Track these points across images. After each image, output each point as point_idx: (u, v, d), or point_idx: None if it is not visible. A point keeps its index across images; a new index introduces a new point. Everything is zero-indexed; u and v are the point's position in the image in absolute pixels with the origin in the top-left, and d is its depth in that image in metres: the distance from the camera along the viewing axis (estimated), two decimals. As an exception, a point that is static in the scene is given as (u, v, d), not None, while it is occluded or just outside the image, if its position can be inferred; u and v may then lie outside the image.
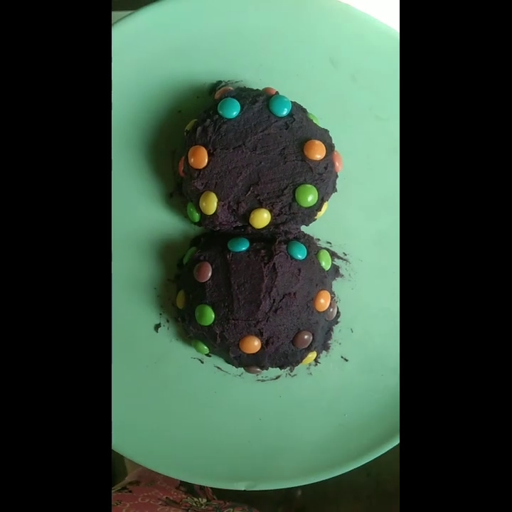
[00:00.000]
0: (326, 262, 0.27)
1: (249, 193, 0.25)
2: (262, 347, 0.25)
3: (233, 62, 0.28)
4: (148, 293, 0.28)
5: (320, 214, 0.26)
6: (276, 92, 0.26)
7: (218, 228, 0.26)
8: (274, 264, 0.25)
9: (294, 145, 0.25)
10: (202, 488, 0.45)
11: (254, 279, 0.25)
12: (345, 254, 0.28)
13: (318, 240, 0.28)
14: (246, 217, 0.25)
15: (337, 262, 0.28)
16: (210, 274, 0.25)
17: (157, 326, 0.28)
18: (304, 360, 0.26)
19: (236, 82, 0.28)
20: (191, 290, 0.26)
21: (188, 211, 0.26)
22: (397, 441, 0.27)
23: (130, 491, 0.39)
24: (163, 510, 0.34)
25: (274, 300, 0.25)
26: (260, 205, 0.25)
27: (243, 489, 0.27)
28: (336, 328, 0.28)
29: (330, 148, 0.25)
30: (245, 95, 0.25)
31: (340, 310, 0.28)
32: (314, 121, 0.26)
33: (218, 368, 0.28)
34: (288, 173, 0.25)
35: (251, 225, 0.25)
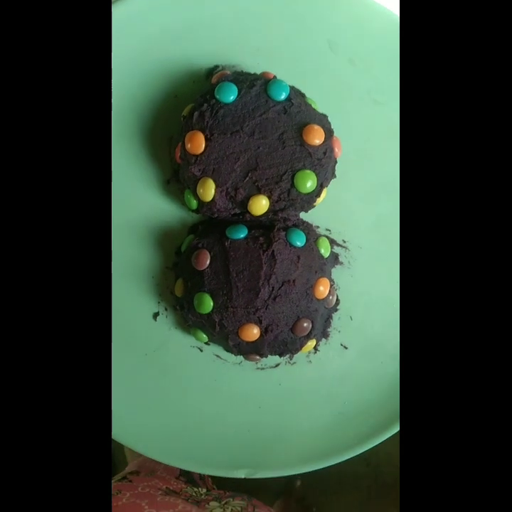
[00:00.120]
0: (325, 250, 0.26)
1: (248, 179, 0.24)
2: (261, 335, 0.25)
3: (230, 46, 0.27)
4: (146, 281, 0.28)
5: (319, 200, 0.25)
6: (274, 76, 0.25)
7: (216, 215, 0.25)
8: (273, 251, 0.24)
9: (292, 130, 0.24)
10: (202, 478, 0.45)
11: (252, 267, 0.24)
12: (345, 242, 0.28)
13: (318, 227, 0.28)
14: (244, 203, 0.25)
15: (336, 249, 0.28)
16: (208, 262, 0.25)
17: (155, 315, 0.28)
18: (303, 348, 0.26)
19: (233, 66, 0.27)
20: (189, 278, 0.25)
21: (185, 198, 0.26)
22: (397, 429, 0.27)
23: (130, 481, 0.39)
24: (163, 500, 0.34)
25: (273, 287, 0.24)
26: (258, 191, 0.24)
27: (243, 477, 0.27)
28: (335, 315, 0.28)
29: (329, 133, 0.25)
30: (243, 79, 0.25)
31: (339, 297, 0.28)
32: (313, 105, 0.25)
33: (217, 356, 0.28)
34: (286, 159, 0.24)
35: (249, 212, 0.25)
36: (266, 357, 0.26)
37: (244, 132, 0.24)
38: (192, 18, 0.26)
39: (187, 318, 0.26)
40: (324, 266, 0.26)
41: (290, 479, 0.68)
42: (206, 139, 0.24)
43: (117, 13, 0.26)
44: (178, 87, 0.27)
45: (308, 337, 0.26)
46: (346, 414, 0.27)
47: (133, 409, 0.27)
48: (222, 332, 0.25)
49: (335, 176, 0.26)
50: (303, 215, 0.27)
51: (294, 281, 0.24)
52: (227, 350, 0.27)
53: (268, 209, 0.25)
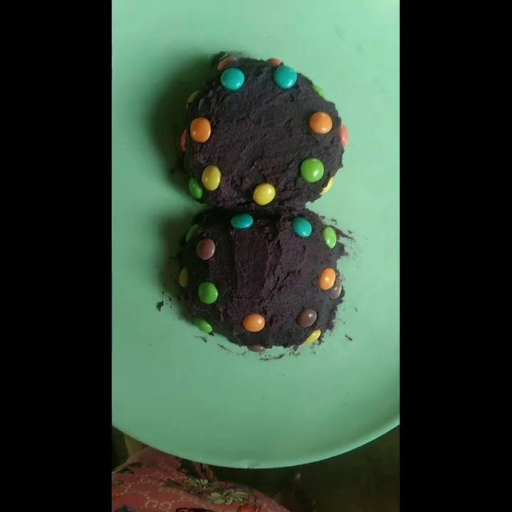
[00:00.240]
0: (331, 240, 0.26)
1: (253, 167, 0.24)
2: (265, 325, 0.24)
3: (237, 32, 0.26)
4: (151, 271, 0.27)
5: (325, 190, 0.25)
6: (281, 63, 0.25)
7: (221, 205, 0.25)
8: (279, 241, 0.24)
9: (299, 117, 0.24)
10: (203, 470, 0.45)
11: (258, 257, 0.24)
12: (351, 232, 0.28)
13: (323, 217, 0.27)
14: (250, 193, 0.24)
15: (342, 240, 0.28)
16: (213, 252, 0.25)
17: (160, 305, 0.28)
18: (307, 339, 0.26)
19: (239, 52, 0.27)
20: (194, 268, 0.25)
21: (190, 187, 0.25)
22: (400, 420, 0.27)
23: (132, 472, 0.39)
24: (164, 491, 0.34)
25: (278, 278, 0.24)
26: (264, 180, 0.24)
27: (246, 467, 0.27)
28: (340, 307, 0.27)
29: (336, 121, 0.24)
30: (249, 66, 0.24)
31: (344, 289, 0.27)
32: (320, 93, 0.25)
33: (221, 346, 0.28)
34: (293, 147, 0.24)
35: (255, 202, 0.24)
36: (270, 347, 0.26)
37: (250, 120, 0.24)
38: (197, 4, 0.26)
39: (191, 308, 0.26)
40: (330, 256, 0.26)
41: (289, 472, 0.68)
42: (212, 127, 0.24)
43: (121, -3, 0.25)
44: (183, 74, 0.27)
45: (312, 328, 0.25)
46: (350, 406, 0.27)
47: (137, 399, 0.27)
48: (226, 322, 0.25)
49: (342, 166, 0.26)
50: (309, 205, 0.26)
51: (299, 271, 0.24)
52: (231, 341, 0.27)
53: (274, 198, 0.24)
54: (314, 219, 0.26)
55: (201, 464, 0.45)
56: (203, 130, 0.24)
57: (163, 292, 0.28)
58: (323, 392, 0.27)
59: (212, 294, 0.24)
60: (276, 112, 0.24)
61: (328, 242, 0.26)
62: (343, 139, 0.25)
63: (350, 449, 0.26)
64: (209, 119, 0.24)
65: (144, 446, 0.49)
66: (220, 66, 0.25)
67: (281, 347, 0.26)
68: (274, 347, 0.26)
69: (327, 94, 0.25)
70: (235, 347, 0.27)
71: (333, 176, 0.25)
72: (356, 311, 0.28)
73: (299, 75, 0.24)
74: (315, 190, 0.25)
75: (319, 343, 0.28)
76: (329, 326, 0.28)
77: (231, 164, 0.24)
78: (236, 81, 0.24)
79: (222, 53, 0.27)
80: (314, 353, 0.28)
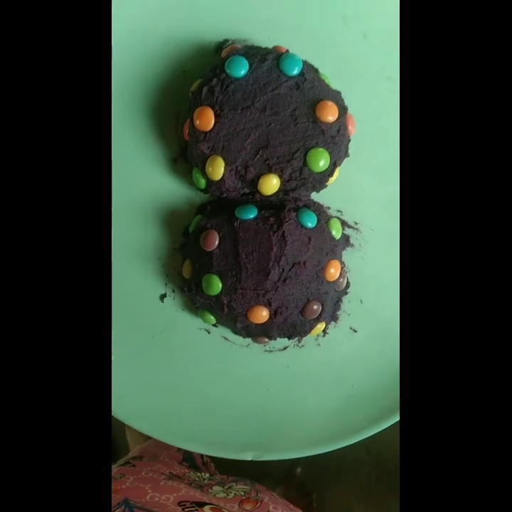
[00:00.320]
0: (336, 231, 0.26)
1: (258, 156, 0.24)
2: (270, 317, 0.24)
3: (241, 19, 0.26)
4: (153, 263, 0.27)
5: (331, 180, 0.25)
6: (287, 50, 0.25)
7: (225, 195, 0.25)
8: (284, 232, 0.24)
9: (305, 106, 0.24)
10: (204, 463, 0.45)
11: (262, 248, 0.24)
12: (356, 223, 0.27)
13: (329, 208, 0.27)
14: (254, 183, 0.24)
15: (348, 231, 0.27)
16: (217, 243, 0.24)
17: (163, 296, 0.28)
18: (312, 331, 0.26)
19: (244, 40, 0.26)
20: (197, 259, 0.25)
21: (193, 177, 0.25)
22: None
23: (133, 466, 0.39)
24: (166, 484, 0.34)
25: (283, 269, 0.24)
26: (269, 169, 0.24)
27: (250, 459, 0.27)
28: (345, 298, 0.27)
29: (343, 110, 0.24)
30: (254, 53, 0.24)
31: (349, 280, 0.27)
32: (326, 81, 0.25)
33: (225, 338, 0.28)
34: (299, 136, 0.24)
35: (259, 192, 0.24)
36: (274, 339, 0.26)
37: (255, 108, 0.23)
38: (199, -11, 0.26)
39: (195, 300, 0.26)
40: (335, 248, 0.26)
41: (291, 466, 0.69)
42: (216, 115, 0.23)
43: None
44: (186, 62, 0.27)
45: (317, 320, 0.25)
46: (355, 398, 0.27)
47: (141, 391, 0.27)
48: (230, 314, 0.25)
49: (348, 155, 0.25)
50: (314, 196, 0.26)
51: (304, 263, 0.24)
52: (235, 333, 0.27)
53: (279, 188, 0.24)
54: (320, 210, 0.26)
55: (203, 458, 0.46)
56: (207, 119, 0.23)
57: (166, 284, 0.28)
58: (328, 384, 0.27)
59: (216, 285, 0.24)
60: (282, 100, 0.24)
61: (333, 233, 0.26)
62: (350, 127, 0.25)
63: (355, 441, 0.26)
64: (213, 108, 0.23)
65: (146, 439, 0.49)
66: (224, 53, 0.25)
67: (286, 339, 0.26)
68: (278, 339, 0.26)
69: (332, 82, 0.25)
70: (238, 339, 0.27)
71: (340, 165, 0.25)
72: (361, 303, 0.28)
73: (305, 63, 0.24)
74: (321, 180, 0.25)
75: (324, 335, 0.28)
76: (334, 317, 0.28)
77: (235, 154, 0.24)
78: (240, 68, 0.23)
79: (226, 41, 0.26)
80: (319, 345, 0.28)
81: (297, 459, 0.27)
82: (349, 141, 0.25)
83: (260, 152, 0.24)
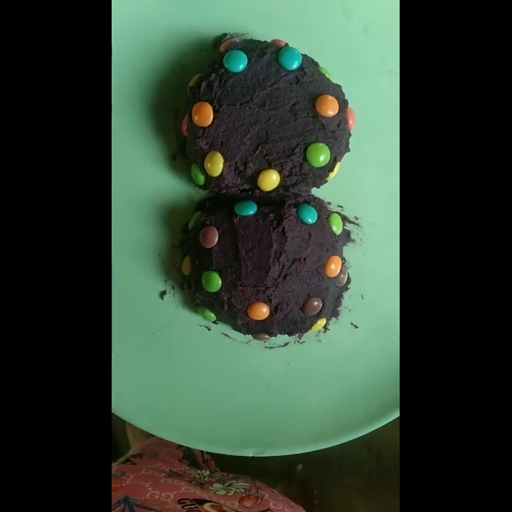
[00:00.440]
0: (337, 227, 0.26)
1: (258, 152, 0.24)
2: (270, 314, 0.25)
3: (239, 13, 0.26)
4: (153, 259, 0.28)
5: (332, 175, 0.25)
6: (286, 44, 0.25)
7: (224, 191, 0.25)
8: (284, 228, 0.24)
9: (305, 101, 0.24)
10: (205, 461, 0.46)
11: (262, 244, 0.24)
12: (357, 219, 0.28)
13: (329, 203, 0.27)
14: (254, 179, 0.24)
15: (348, 226, 0.28)
16: (216, 240, 0.25)
17: (162, 293, 0.28)
18: (313, 327, 0.26)
19: (242, 34, 0.26)
20: (197, 256, 0.25)
21: (192, 173, 0.25)
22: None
23: (134, 463, 0.39)
24: (166, 482, 0.35)
25: (283, 266, 0.24)
26: (269, 165, 0.24)
27: (251, 456, 0.27)
28: (346, 294, 0.28)
29: (343, 104, 0.24)
30: (253, 47, 0.24)
31: (350, 276, 0.27)
32: (326, 75, 0.25)
33: (225, 335, 0.28)
34: (299, 131, 0.24)
35: (259, 188, 0.24)
36: (275, 336, 0.26)
37: (254, 103, 0.23)
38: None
39: (194, 297, 0.26)
40: (336, 243, 0.26)
41: (291, 463, 0.69)
42: (214, 111, 0.23)
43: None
44: (184, 57, 0.27)
45: (318, 316, 0.26)
46: (356, 393, 0.27)
47: (141, 388, 0.27)
48: (230, 311, 0.25)
49: (348, 150, 0.26)
50: (314, 191, 0.26)
51: (304, 259, 0.24)
52: (236, 329, 0.27)
53: (279, 184, 0.24)
54: (320, 205, 0.26)
55: (203, 455, 0.46)
56: (205, 114, 0.23)
57: (166, 281, 0.28)
58: (329, 380, 0.28)
59: (216, 282, 0.24)
60: (281, 94, 0.24)
61: (334, 228, 0.26)
62: (350, 122, 0.25)
63: (356, 437, 0.27)
64: (211, 103, 0.24)
65: (147, 437, 0.50)
66: (222, 48, 0.25)
67: (286, 335, 0.27)
68: (279, 335, 0.26)
69: (333, 76, 0.25)
70: (239, 335, 0.27)
71: (340, 160, 0.25)
72: (362, 298, 0.28)
73: (305, 57, 0.24)
74: (321, 175, 0.25)
75: (325, 331, 0.28)
76: (335, 313, 0.28)
77: (234, 149, 0.24)
78: (239, 63, 0.24)
79: (224, 35, 0.26)
80: (319, 340, 0.28)
81: (298, 455, 0.27)
82: (350, 135, 0.25)
83: (260, 148, 0.24)
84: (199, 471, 0.41)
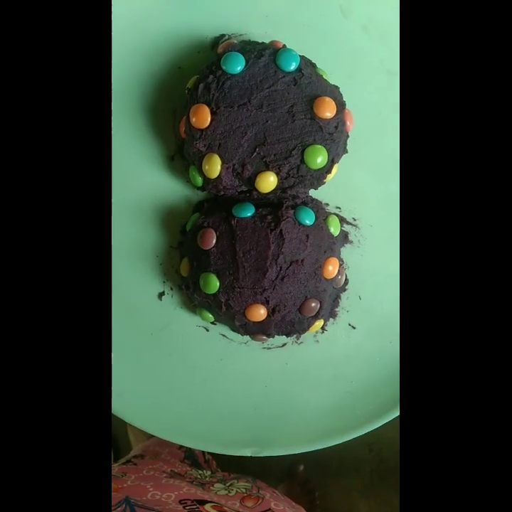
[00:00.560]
0: (335, 228, 0.26)
1: (255, 154, 0.24)
2: (268, 315, 0.25)
3: (237, 14, 0.27)
4: (151, 261, 0.28)
5: (329, 177, 0.26)
6: (284, 46, 0.25)
7: (222, 193, 0.25)
8: (281, 230, 0.24)
9: (302, 102, 0.24)
10: (206, 461, 0.46)
11: (260, 246, 0.24)
12: (355, 220, 0.28)
13: (327, 204, 0.28)
14: (251, 180, 0.25)
15: (346, 227, 0.28)
16: (214, 241, 0.25)
17: (161, 294, 0.28)
18: (310, 328, 0.27)
19: (240, 35, 0.27)
20: (195, 258, 0.26)
21: (190, 175, 0.26)
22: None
23: (135, 464, 0.40)
24: (167, 482, 0.35)
25: (280, 267, 0.25)
26: (266, 167, 0.24)
27: (249, 455, 0.28)
28: (343, 295, 0.28)
29: (341, 105, 0.25)
30: (250, 49, 0.25)
31: (348, 277, 0.28)
32: (324, 76, 0.25)
33: (224, 335, 0.28)
34: (296, 133, 0.24)
35: (257, 190, 0.25)
36: (273, 337, 0.27)
37: (251, 105, 0.24)
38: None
39: (193, 298, 0.27)
40: (334, 245, 0.26)
41: (293, 464, 0.70)
42: (212, 113, 0.24)
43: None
44: (182, 58, 0.27)
45: (315, 317, 0.26)
46: (353, 394, 0.28)
47: (139, 388, 0.28)
48: (228, 312, 0.25)
49: (346, 151, 0.26)
50: (312, 192, 0.27)
51: (302, 261, 0.25)
52: (234, 330, 0.27)
53: (276, 186, 0.25)
54: (318, 206, 0.27)
55: (204, 455, 0.47)
56: (203, 116, 0.24)
57: (164, 282, 0.28)
58: (326, 381, 0.28)
59: (214, 284, 0.25)
60: (279, 96, 0.24)
61: (331, 230, 0.26)
62: (348, 123, 0.25)
63: (353, 437, 0.27)
64: (209, 105, 0.24)
65: (148, 438, 0.50)
66: (220, 49, 0.25)
67: (284, 336, 0.27)
68: (276, 336, 0.27)
69: (331, 76, 0.26)
70: (237, 336, 0.28)
71: (338, 162, 0.25)
72: (360, 299, 0.28)
73: (302, 58, 0.25)
74: (319, 177, 0.25)
75: (322, 332, 0.28)
76: (332, 314, 0.28)
77: (232, 151, 0.24)
78: (236, 65, 0.24)
79: (222, 36, 0.27)
80: (317, 341, 0.28)
81: (298, 455, 0.28)
82: (347, 137, 0.26)
83: (257, 149, 0.24)
84: (200, 472, 0.42)
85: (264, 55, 0.24)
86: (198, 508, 0.32)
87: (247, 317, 0.25)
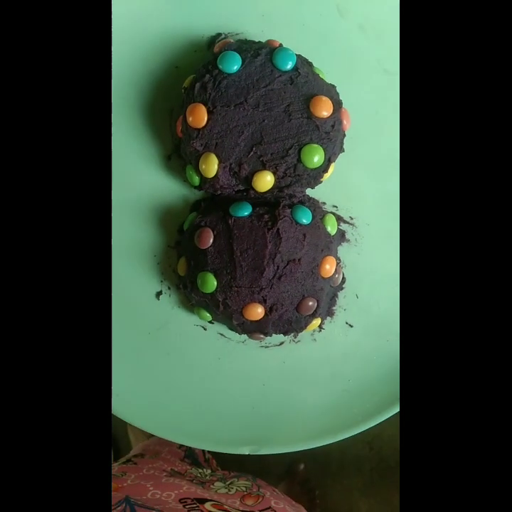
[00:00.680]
0: (331, 227, 0.27)
1: (252, 153, 0.24)
2: (265, 314, 0.25)
3: (234, 13, 0.27)
4: (149, 260, 0.28)
5: (326, 176, 0.26)
6: (280, 45, 0.25)
7: (219, 192, 0.26)
8: (278, 229, 0.25)
9: (299, 101, 0.24)
10: (206, 460, 0.47)
11: (257, 245, 0.25)
12: (352, 219, 0.28)
13: (324, 203, 0.28)
14: (248, 180, 0.25)
15: (343, 226, 0.28)
16: (211, 241, 0.25)
17: (158, 294, 0.29)
18: (308, 327, 0.27)
19: (237, 34, 0.27)
20: (192, 257, 0.26)
21: (187, 174, 0.26)
22: (401, 407, 0.28)
23: (135, 463, 0.40)
24: (167, 481, 0.36)
25: (278, 266, 0.25)
26: (263, 166, 0.25)
27: (247, 453, 0.28)
28: (341, 294, 0.28)
29: (337, 104, 0.25)
30: (247, 48, 0.25)
31: (345, 276, 0.28)
32: (320, 75, 0.25)
33: (221, 334, 0.29)
34: (293, 132, 0.24)
35: (254, 189, 0.25)
36: (270, 336, 0.27)
37: (248, 104, 0.24)
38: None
39: (190, 298, 0.27)
40: (331, 244, 0.26)
41: (293, 463, 0.70)
42: (208, 112, 0.24)
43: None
44: (179, 57, 0.27)
45: (313, 316, 0.26)
46: (351, 392, 0.28)
47: (137, 388, 0.28)
48: (226, 311, 0.26)
49: (343, 150, 0.26)
50: (309, 191, 0.27)
51: (299, 260, 0.25)
52: (231, 329, 0.28)
53: (273, 185, 0.25)
54: (315, 205, 0.27)
55: (204, 454, 0.47)
56: (200, 116, 0.24)
57: (161, 281, 0.29)
58: (324, 379, 0.29)
59: (211, 283, 0.25)
60: (275, 95, 0.24)
61: (328, 229, 0.26)
62: (345, 122, 0.25)
63: (350, 435, 0.28)
64: (205, 104, 0.24)
65: (148, 437, 0.51)
66: (216, 48, 0.25)
67: (282, 335, 0.27)
68: (274, 335, 0.27)
69: (327, 75, 0.26)
70: (235, 335, 0.28)
71: (334, 161, 0.26)
72: (357, 297, 0.28)
73: (299, 57, 0.25)
74: (315, 176, 0.25)
75: (320, 331, 0.29)
76: (330, 313, 0.28)
77: (229, 151, 0.24)
78: (233, 64, 0.24)
79: (219, 35, 0.27)
80: (315, 340, 0.29)
81: (298, 454, 0.28)
82: (344, 136, 0.26)
83: (254, 149, 0.24)
84: (200, 470, 0.42)
85: (260, 54, 0.24)
86: (198, 506, 0.32)
87: (244, 316, 0.25)
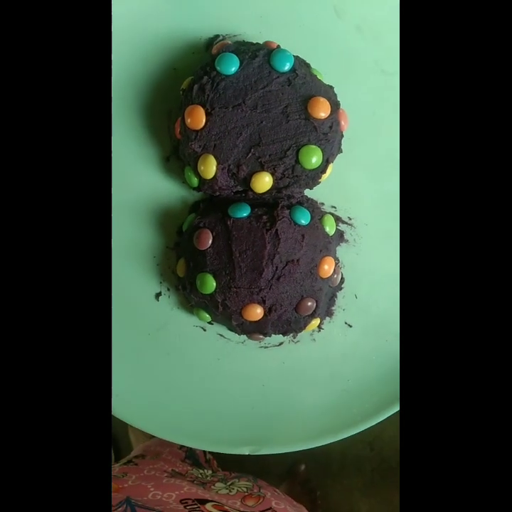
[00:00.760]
0: (330, 227, 0.27)
1: (250, 155, 0.25)
2: (264, 314, 0.25)
3: (231, 14, 0.27)
4: (148, 261, 0.28)
5: (324, 176, 0.26)
6: (278, 46, 0.25)
7: (218, 193, 0.26)
8: (277, 230, 0.25)
9: (297, 103, 0.24)
10: (207, 460, 0.47)
11: (256, 246, 0.25)
12: (351, 219, 0.28)
13: (323, 204, 0.28)
14: (247, 181, 0.25)
15: (342, 226, 0.28)
16: (210, 242, 0.25)
17: (158, 295, 0.29)
18: (307, 327, 0.27)
19: (234, 35, 0.27)
20: (191, 258, 0.26)
21: (185, 176, 0.26)
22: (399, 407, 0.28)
23: (136, 464, 0.41)
24: (168, 482, 0.36)
25: (276, 267, 0.25)
26: (262, 167, 0.25)
27: (247, 454, 0.28)
28: (339, 294, 0.29)
29: (335, 105, 0.25)
30: (244, 50, 0.25)
31: (344, 276, 0.28)
32: (318, 76, 0.26)
33: (221, 335, 0.29)
34: (291, 133, 0.24)
35: (252, 190, 0.25)
36: (269, 336, 0.27)
37: (246, 106, 0.24)
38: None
39: (189, 299, 0.27)
40: (329, 244, 0.27)
41: (294, 463, 0.70)
42: (207, 114, 0.24)
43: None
44: (177, 59, 0.27)
45: (312, 316, 0.27)
46: (350, 392, 0.28)
47: (137, 388, 0.28)
48: (225, 312, 0.26)
49: (341, 151, 0.26)
50: (307, 192, 0.27)
51: (298, 260, 0.25)
52: (231, 330, 0.28)
53: (271, 186, 0.25)
54: (313, 206, 0.27)
55: (205, 455, 0.47)
56: (198, 117, 0.24)
57: (161, 282, 0.29)
58: (323, 379, 0.29)
59: (210, 284, 0.25)
60: (273, 97, 0.24)
61: (327, 229, 0.27)
62: (343, 123, 0.26)
63: (349, 435, 0.28)
64: (204, 106, 0.24)
65: (149, 438, 0.51)
66: (214, 50, 0.26)
67: (281, 335, 0.28)
68: (273, 335, 0.27)
69: (325, 76, 0.26)
70: (234, 336, 0.28)
71: (332, 162, 0.26)
72: (356, 298, 0.29)
73: (297, 58, 0.25)
74: (313, 177, 0.25)
75: (319, 331, 0.29)
76: (329, 313, 0.29)
77: (227, 152, 0.24)
78: (231, 66, 0.24)
79: (216, 36, 0.27)
80: (314, 340, 0.29)
81: (297, 454, 0.28)
82: (342, 137, 0.26)
83: (252, 150, 0.25)
84: (201, 471, 0.42)
85: (258, 55, 0.25)
86: (198, 507, 0.33)
87: (243, 317, 0.26)
